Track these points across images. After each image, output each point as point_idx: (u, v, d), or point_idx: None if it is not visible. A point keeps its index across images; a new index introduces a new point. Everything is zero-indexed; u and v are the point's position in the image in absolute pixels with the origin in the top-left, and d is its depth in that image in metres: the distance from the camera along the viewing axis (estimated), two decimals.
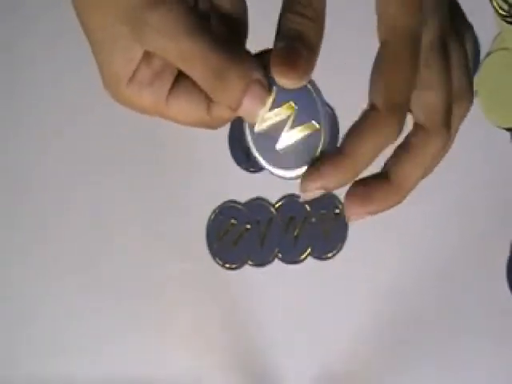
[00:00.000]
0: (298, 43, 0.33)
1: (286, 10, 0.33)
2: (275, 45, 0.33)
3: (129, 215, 0.68)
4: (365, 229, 0.68)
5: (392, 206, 0.36)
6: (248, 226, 0.68)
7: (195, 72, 0.33)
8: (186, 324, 0.67)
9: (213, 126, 0.37)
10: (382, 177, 0.36)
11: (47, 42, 0.69)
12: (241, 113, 0.34)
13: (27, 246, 0.69)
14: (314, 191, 0.34)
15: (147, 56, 0.35)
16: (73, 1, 0.35)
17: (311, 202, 0.68)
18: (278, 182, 0.68)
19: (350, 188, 0.36)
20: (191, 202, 0.68)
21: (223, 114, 0.35)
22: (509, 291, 0.67)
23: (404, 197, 0.36)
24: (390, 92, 0.33)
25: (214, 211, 0.68)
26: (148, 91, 0.35)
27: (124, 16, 0.33)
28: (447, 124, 0.36)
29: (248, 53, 0.35)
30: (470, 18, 0.69)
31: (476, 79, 0.68)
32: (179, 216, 0.68)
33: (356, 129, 0.34)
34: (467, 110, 0.37)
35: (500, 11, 0.68)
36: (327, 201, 0.68)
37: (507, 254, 0.67)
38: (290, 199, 0.68)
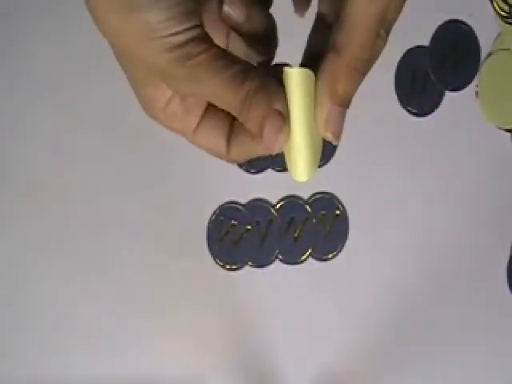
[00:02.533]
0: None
1: None
2: None
3: (129, 216, 0.68)
4: (365, 229, 0.68)
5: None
6: (248, 227, 0.68)
7: (224, 106, 0.37)
8: (187, 324, 0.67)
9: (230, 161, 0.41)
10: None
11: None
12: (263, 142, 0.37)
13: (28, 247, 0.69)
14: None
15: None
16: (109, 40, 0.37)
17: (311, 203, 0.68)
18: (279, 183, 0.69)
19: None
20: (192, 203, 0.68)
21: (239, 154, 0.40)
22: (509, 291, 0.67)
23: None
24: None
25: (215, 212, 0.68)
26: (180, 121, 0.39)
27: (153, 67, 0.35)
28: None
29: (272, 80, 0.37)
30: (471, 19, 0.69)
31: (476, 80, 0.68)
32: (180, 217, 0.68)
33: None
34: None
35: (500, 12, 0.68)
36: (327, 202, 0.68)
37: (507, 254, 0.68)
38: (291, 200, 0.68)
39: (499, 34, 0.68)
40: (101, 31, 0.35)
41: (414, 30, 0.68)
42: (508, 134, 0.68)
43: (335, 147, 0.68)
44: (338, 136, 0.37)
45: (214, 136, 0.40)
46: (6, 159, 0.70)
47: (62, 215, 0.69)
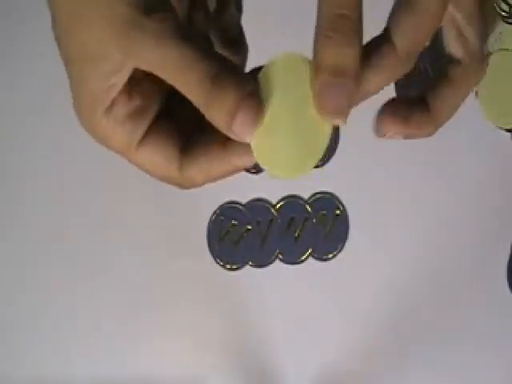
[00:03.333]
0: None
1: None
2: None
3: (129, 216, 0.68)
4: (365, 229, 0.68)
5: (424, 135, 0.36)
6: (249, 227, 0.68)
7: (190, 80, 0.31)
8: (187, 324, 0.67)
9: (181, 185, 0.35)
10: (422, 105, 0.37)
11: None
12: (232, 132, 0.31)
13: (28, 247, 0.69)
14: (325, 112, 0.32)
15: (127, 92, 0.33)
16: (52, 12, 0.33)
17: (312, 203, 0.68)
18: (279, 182, 0.68)
19: (390, 105, 0.36)
20: (192, 203, 0.68)
21: (196, 175, 0.34)
22: (509, 291, 0.67)
23: (437, 127, 0.37)
24: (413, 42, 0.33)
25: (215, 212, 0.68)
26: (123, 128, 0.33)
27: (114, 28, 0.31)
28: (483, 59, 0.38)
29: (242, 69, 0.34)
30: None
31: None
32: (180, 217, 0.68)
33: (374, 65, 0.33)
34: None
35: (500, 12, 0.68)
36: (327, 202, 0.68)
37: (507, 254, 0.68)
38: (291, 200, 0.68)
39: (499, 34, 0.68)
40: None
41: None
42: (508, 133, 0.68)
43: (335, 147, 0.68)
44: (337, 112, 0.31)
45: (162, 153, 0.34)
46: (5, 159, 0.70)
47: (61, 215, 0.69)
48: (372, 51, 0.33)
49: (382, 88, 0.34)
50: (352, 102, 0.32)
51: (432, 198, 0.68)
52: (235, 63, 0.35)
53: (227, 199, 0.68)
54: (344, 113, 0.31)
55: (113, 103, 0.33)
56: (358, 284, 0.67)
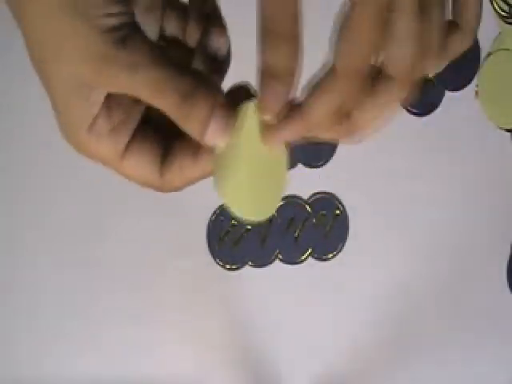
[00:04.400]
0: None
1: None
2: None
3: (129, 216, 0.68)
4: (365, 229, 0.68)
5: (343, 142, 0.37)
6: (249, 227, 0.68)
7: (165, 98, 0.33)
8: (187, 324, 0.67)
9: (163, 189, 0.37)
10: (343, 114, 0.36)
11: None
12: (206, 139, 0.34)
13: (27, 246, 0.69)
14: (272, 144, 0.35)
15: (107, 107, 0.35)
16: (28, 45, 0.35)
17: (312, 203, 0.68)
18: None
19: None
20: (192, 203, 0.68)
21: (175, 179, 0.36)
22: (509, 291, 0.67)
23: (357, 137, 0.36)
24: (349, 57, 0.33)
25: (215, 212, 0.68)
26: (107, 142, 0.35)
27: (87, 55, 0.33)
28: (411, 78, 0.36)
29: (214, 81, 0.36)
30: None
31: (476, 80, 0.68)
32: (180, 216, 0.68)
33: (315, 89, 0.34)
34: (435, 65, 0.37)
35: (500, 12, 0.68)
36: (327, 202, 0.68)
37: (507, 254, 0.68)
38: (291, 200, 0.68)
39: (499, 34, 0.68)
40: (26, 26, 0.34)
41: None
42: (508, 133, 0.68)
43: (335, 147, 0.68)
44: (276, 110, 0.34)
45: (146, 161, 0.36)
46: (5, 159, 0.70)
47: (61, 215, 0.69)
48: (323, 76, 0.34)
49: (328, 113, 0.34)
50: (297, 130, 0.34)
51: (432, 198, 0.68)
52: (208, 76, 0.36)
53: None
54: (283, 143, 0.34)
55: (95, 120, 0.35)
56: (357, 284, 0.67)
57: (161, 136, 0.36)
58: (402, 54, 0.34)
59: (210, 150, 0.34)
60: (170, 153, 0.36)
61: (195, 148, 0.35)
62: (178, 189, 0.37)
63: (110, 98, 0.35)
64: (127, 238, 0.68)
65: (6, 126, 0.70)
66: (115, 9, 0.33)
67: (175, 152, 0.36)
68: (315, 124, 0.34)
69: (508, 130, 0.68)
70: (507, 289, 0.67)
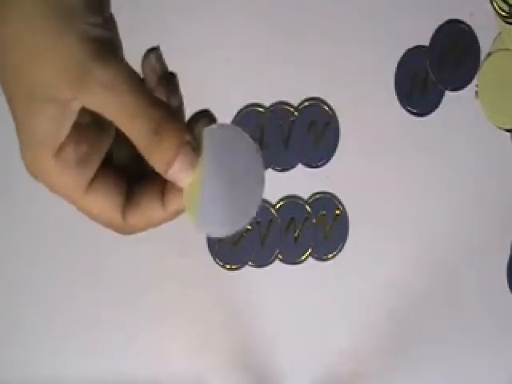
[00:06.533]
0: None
1: None
2: None
3: None
4: (365, 229, 0.68)
5: None
6: (248, 227, 0.68)
7: (135, 126, 0.33)
8: (187, 324, 0.67)
9: (124, 231, 0.37)
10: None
11: None
12: (170, 175, 0.34)
13: (27, 247, 0.69)
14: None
15: (75, 136, 0.34)
16: (2, 48, 0.33)
17: (311, 203, 0.68)
18: (279, 183, 0.68)
19: None
20: None
21: (138, 223, 0.36)
22: (509, 291, 0.67)
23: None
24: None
25: None
26: (72, 173, 0.34)
27: (65, 69, 0.32)
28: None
29: (182, 116, 0.35)
30: (471, 19, 0.69)
31: (476, 80, 0.68)
32: (180, 216, 0.68)
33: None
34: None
35: (500, 12, 0.68)
36: (327, 202, 0.68)
37: (507, 254, 0.68)
38: (291, 200, 0.68)
39: (499, 34, 0.68)
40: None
41: (413, 30, 0.68)
42: (508, 133, 0.68)
43: (335, 147, 0.68)
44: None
45: (108, 200, 0.35)
46: (5, 159, 0.70)
47: (60, 215, 0.69)
48: None
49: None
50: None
51: (432, 198, 0.68)
52: (178, 111, 0.36)
53: None
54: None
55: (61, 148, 0.34)
56: (357, 284, 0.67)
57: (125, 176, 0.36)
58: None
59: (176, 194, 0.35)
60: (133, 195, 0.36)
61: (160, 191, 0.35)
62: (139, 232, 0.37)
63: (77, 129, 0.34)
64: (127, 238, 0.68)
65: (6, 127, 0.70)
66: (100, 20, 0.33)
67: (138, 195, 0.36)
68: None
69: (508, 130, 0.68)
70: (507, 289, 0.67)
